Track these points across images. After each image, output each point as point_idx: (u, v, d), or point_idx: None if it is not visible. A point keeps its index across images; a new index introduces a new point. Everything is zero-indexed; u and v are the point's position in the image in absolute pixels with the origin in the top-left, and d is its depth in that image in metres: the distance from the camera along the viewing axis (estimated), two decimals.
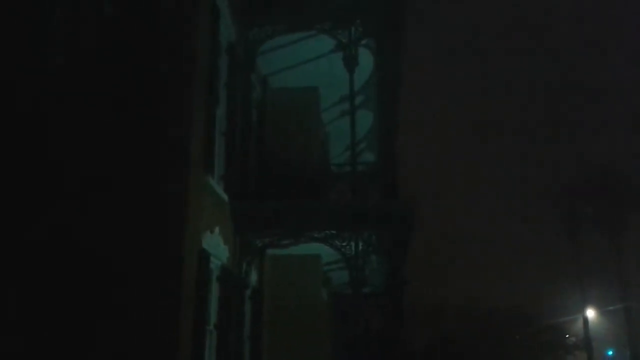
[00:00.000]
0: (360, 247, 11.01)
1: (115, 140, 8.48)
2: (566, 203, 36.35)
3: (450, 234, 43.55)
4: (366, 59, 12.39)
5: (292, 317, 13.04)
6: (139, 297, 7.78)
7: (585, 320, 33.75)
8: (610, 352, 49.76)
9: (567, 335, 35.77)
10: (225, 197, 10.24)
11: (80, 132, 8.53)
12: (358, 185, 11.39)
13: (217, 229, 9.48)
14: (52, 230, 8.08)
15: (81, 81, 8.79)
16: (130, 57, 8.85)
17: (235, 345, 10.14)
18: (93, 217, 8.12)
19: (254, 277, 11.57)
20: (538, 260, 46.41)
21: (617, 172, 35.57)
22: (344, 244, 10.89)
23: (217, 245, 9.45)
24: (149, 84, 8.71)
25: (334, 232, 10.95)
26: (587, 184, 35.86)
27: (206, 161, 9.17)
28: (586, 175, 36.93)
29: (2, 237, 8.09)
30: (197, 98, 8.92)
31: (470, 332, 31.50)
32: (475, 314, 32.44)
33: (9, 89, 8.71)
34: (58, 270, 7.94)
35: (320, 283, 14.21)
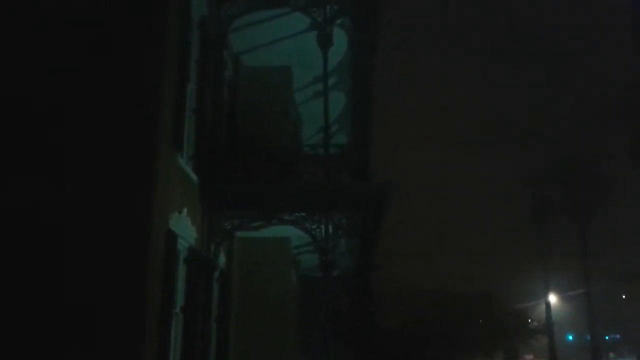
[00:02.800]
0: (331, 230, 10.89)
1: (83, 114, 8.16)
2: (533, 189, 36.90)
3: (420, 219, 44.00)
4: (341, 39, 12.18)
5: (261, 299, 12.89)
6: (103, 277, 7.53)
7: (548, 305, 34.50)
8: (570, 337, 51.29)
9: (529, 320, 36.52)
10: (194, 177, 9.97)
11: (49, 102, 8.17)
12: (330, 167, 11.22)
13: (185, 210, 9.22)
14: (16, 201, 7.73)
15: (52, 50, 8.40)
16: (98, 30, 8.49)
17: (202, 329, 9.94)
18: (58, 192, 7.82)
19: (222, 259, 11.35)
20: (504, 246, 47.26)
21: (584, 159, 36.19)
22: (314, 226, 10.74)
23: (185, 227, 9.19)
24: (117, 59, 8.38)
25: (304, 214, 10.79)
26: (555, 170, 36.44)
27: (175, 139, 8.88)
28: (554, 162, 37.54)
29: None
30: (167, 74, 8.60)
31: (438, 315, 31.87)
32: (442, 298, 32.85)
33: None
34: (21, 243, 7.61)
35: (290, 266, 14.07)
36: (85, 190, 7.83)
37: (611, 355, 48.05)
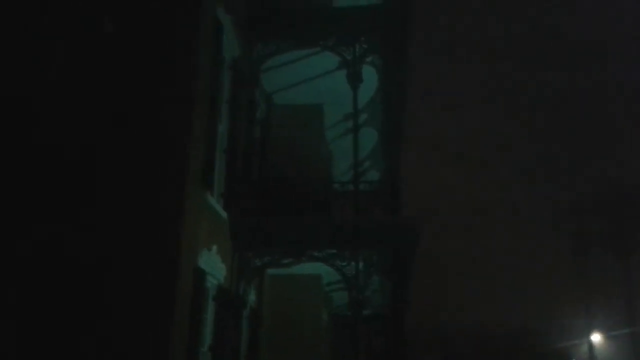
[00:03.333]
0: (361, 267, 10.78)
1: (114, 155, 8.34)
2: (574, 222, 35.90)
3: (454, 256, 43.20)
4: (370, 76, 12.27)
5: (291, 338, 12.77)
6: (131, 315, 7.58)
7: (591, 344, 33.19)
8: None
9: (572, 359, 35.16)
10: (224, 215, 10.05)
11: (79, 145, 8.40)
12: (361, 203, 11.17)
13: (214, 248, 9.27)
14: (45, 242, 7.91)
15: (81, 95, 8.67)
16: (130, 71, 8.75)
17: None
18: (88, 231, 7.95)
19: (252, 297, 11.33)
20: (544, 282, 45.90)
21: (627, 191, 35.11)
22: (344, 263, 10.65)
23: (214, 264, 9.23)
24: (149, 99, 8.59)
25: (334, 251, 10.73)
26: (597, 203, 35.42)
27: (206, 178, 8.99)
28: (596, 194, 36.52)
29: None
30: (198, 114, 8.78)
31: (475, 354, 31.03)
32: (480, 338, 32.00)
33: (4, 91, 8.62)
34: (49, 285, 7.75)
35: (321, 304, 13.93)
36: (115, 228, 7.95)
37: None
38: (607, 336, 37.35)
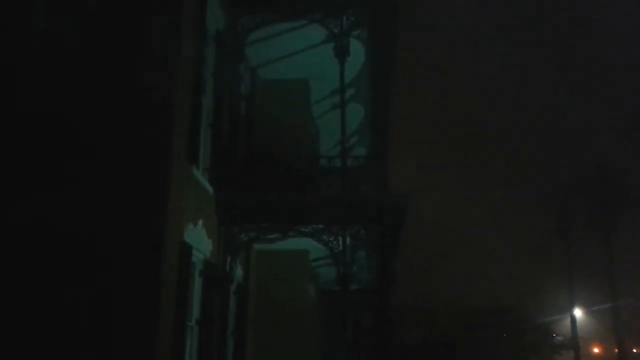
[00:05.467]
0: (349, 242, 10.76)
1: (98, 127, 8.17)
2: (558, 201, 36.25)
3: (439, 233, 43.51)
4: (358, 50, 12.13)
5: (278, 313, 12.76)
6: (116, 290, 7.48)
7: (573, 319, 33.73)
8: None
9: (554, 335, 35.73)
10: (210, 189, 9.93)
11: (63, 119, 8.21)
12: (348, 179, 11.11)
13: (200, 222, 9.18)
14: (30, 216, 7.75)
15: (64, 65, 8.46)
16: (113, 43, 8.54)
17: (218, 342, 9.85)
18: (74, 205, 7.80)
19: (239, 272, 11.27)
20: (527, 259, 46.49)
21: (610, 171, 35.49)
22: (332, 239, 10.62)
23: (200, 239, 9.14)
24: (132, 72, 8.39)
25: (321, 226, 10.68)
26: (580, 182, 35.77)
27: (191, 152, 8.85)
28: (579, 174, 36.88)
29: None
30: (182, 87, 8.61)
31: (459, 330, 31.41)
32: (464, 313, 32.35)
33: None
34: (34, 257, 7.62)
35: (308, 279, 13.94)
36: (98, 200, 7.81)
37: None
38: (589, 311, 38.03)
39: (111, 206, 7.80)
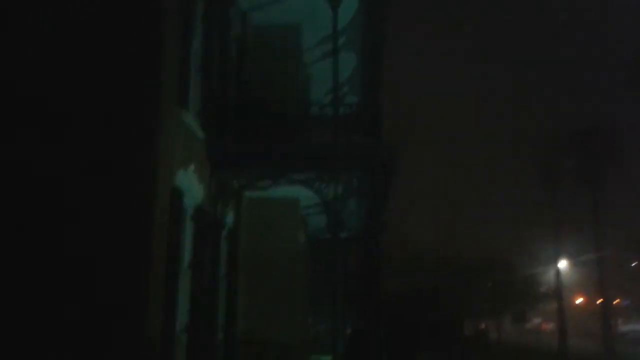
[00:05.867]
0: (340, 190, 10.80)
1: (84, 72, 8.00)
2: (547, 154, 36.46)
3: (428, 183, 43.79)
4: None
5: (269, 260, 12.91)
6: (108, 235, 7.48)
7: (558, 270, 34.43)
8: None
9: (539, 285, 36.55)
10: (201, 134, 9.86)
11: (48, 62, 8.02)
12: (339, 127, 11.06)
13: (191, 167, 9.15)
14: (19, 153, 7.66)
15: (50, 7, 8.21)
16: None
17: (210, 285, 9.98)
18: (61, 147, 7.71)
19: (230, 218, 11.32)
20: (515, 211, 47.06)
21: (599, 126, 35.67)
22: (323, 186, 10.65)
23: (191, 184, 9.13)
24: (120, 15, 8.16)
25: (313, 174, 10.69)
26: (570, 136, 35.95)
27: (180, 95, 8.75)
28: (569, 127, 37.03)
29: None
30: (169, 25, 8.40)
31: (445, 279, 32.01)
32: (449, 263, 32.91)
33: None
34: (23, 196, 7.56)
35: (298, 227, 14.06)
36: (87, 144, 7.73)
37: (619, 320, 48.25)
38: (574, 262, 38.81)
39: (99, 150, 7.72)
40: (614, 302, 43.25)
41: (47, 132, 7.80)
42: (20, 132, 7.81)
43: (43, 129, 7.81)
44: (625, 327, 43.31)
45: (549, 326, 46.42)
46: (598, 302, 36.48)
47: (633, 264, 48.02)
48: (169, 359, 7.85)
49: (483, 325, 33.87)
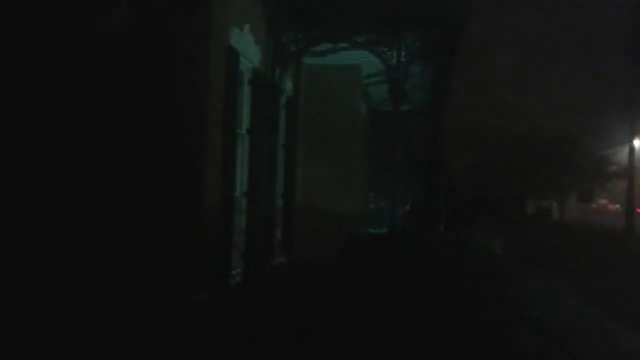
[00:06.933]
0: (404, 55, 10.13)
1: None
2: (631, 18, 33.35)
3: (496, 55, 41.44)
4: None
5: (328, 130, 12.63)
6: (161, 99, 7.16)
7: (632, 148, 32.71)
8: None
9: (609, 164, 35.08)
10: None
11: None
12: None
13: (247, 27, 8.63)
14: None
15: None
16: None
17: (269, 153, 9.84)
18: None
19: (288, 85, 10.94)
20: (588, 88, 44.40)
21: None
22: (386, 49, 9.99)
23: (247, 45, 8.67)
24: None
25: (375, 36, 10.01)
26: None
27: None
28: None
29: None
30: None
31: (510, 156, 31.17)
32: (516, 141, 31.81)
33: None
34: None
35: (359, 96, 13.56)
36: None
37: None
38: None
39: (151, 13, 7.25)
40: None
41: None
42: None
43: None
44: None
45: (616, 207, 45.29)
46: None
47: None
48: (228, 224, 7.88)
49: (546, 205, 33.19)
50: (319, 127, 12.51)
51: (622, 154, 35.72)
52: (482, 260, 9.10)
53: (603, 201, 46.74)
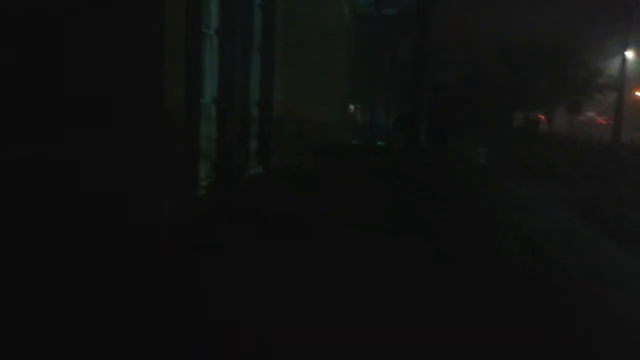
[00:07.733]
0: None
1: None
2: None
3: None
4: None
5: (309, 34, 11.98)
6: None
7: (624, 58, 32.02)
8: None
9: (600, 75, 34.42)
10: None
11: None
12: None
13: None
14: None
15: None
16: None
17: (242, 57, 9.23)
18: None
19: None
20: None
21: None
22: None
23: None
24: None
25: None
26: None
27: None
28: None
29: None
30: None
31: (499, 65, 30.45)
32: (506, 46, 30.85)
33: None
34: None
35: None
36: None
37: None
38: None
39: None
40: None
41: None
42: None
43: None
44: None
45: (603, 119, 45.10)
46: None
47: None
48: (194, 131, 7.42)
49: (535, 116, 32.79)
50: (299, 30, 11.82)
51: (615, 66, 35.09)
52: (460, 170, 8.87)
53: (591, 114, 46.55)
